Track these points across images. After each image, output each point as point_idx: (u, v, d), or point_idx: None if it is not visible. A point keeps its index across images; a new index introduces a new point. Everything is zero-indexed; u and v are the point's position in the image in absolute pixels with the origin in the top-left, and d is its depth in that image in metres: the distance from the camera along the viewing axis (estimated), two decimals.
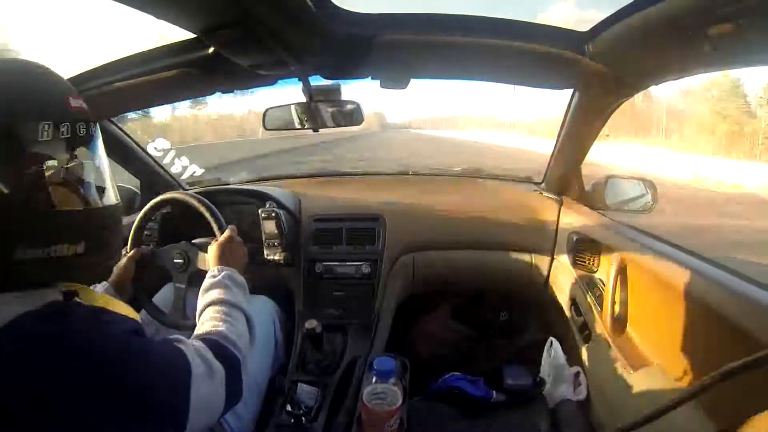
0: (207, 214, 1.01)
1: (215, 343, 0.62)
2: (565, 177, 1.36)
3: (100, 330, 0.48)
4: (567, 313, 1.26)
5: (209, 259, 0.90)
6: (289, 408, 0.95)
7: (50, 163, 0.47)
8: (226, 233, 0.94)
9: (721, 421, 0.62)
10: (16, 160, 0.44)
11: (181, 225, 1.21)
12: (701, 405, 0.65)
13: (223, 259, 0.86)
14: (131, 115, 1.74)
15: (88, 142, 0.52)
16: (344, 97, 1.03)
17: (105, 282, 0.96)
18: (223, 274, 0.80)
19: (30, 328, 0.43)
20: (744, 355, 0.62)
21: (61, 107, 0.49)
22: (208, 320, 0.69)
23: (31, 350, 0.42)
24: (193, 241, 1.09)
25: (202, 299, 0.75)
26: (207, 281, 0.79)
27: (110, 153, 1.35)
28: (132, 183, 1.48)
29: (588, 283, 1.16)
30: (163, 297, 1.13)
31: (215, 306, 0.72)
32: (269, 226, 1.21)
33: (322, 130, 1.08)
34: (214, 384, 0.57)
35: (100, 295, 0.56)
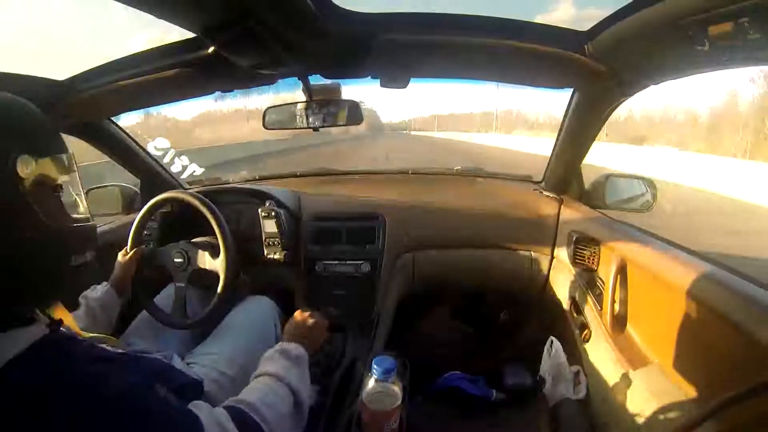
0: (207, 214, 1.02)
1: (238, 412, 0.59)
2: (565, 176, 1.36)
3: (109, 383, 0.45)
4: (567, 311, 1.26)
5: (285, 331, 0.84)
6: None
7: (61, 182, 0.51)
8: (307, 313, 0.88)
9: None
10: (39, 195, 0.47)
11: (181, 224, 1.22)
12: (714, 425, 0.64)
13: (296, 335, 0.82)
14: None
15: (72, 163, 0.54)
16: (344, 96, 1.04)
17: (105, 282, 0.97)
18: (284, 347, 0.76)
19: (24, 379, 0.41)
20: (743, 354, 0.62)
21: (53, 138, 0.52)
22: (246, 390, 0.66)
23: (27, 403, 0.40)
24: (193, 240, 1.09)
25: (256, 371, 0.72)
26: (268, 353, 0.75)
27: (110, 153, 1.37)
28: (132, 182, 1.48)
29: (588, 282, 1.17)
30: (166, 297, 1.13)
31: (261, 377, 0.69)
32: (269, 225, 1.21)
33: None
34: None
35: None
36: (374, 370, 0.85)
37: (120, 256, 1.02)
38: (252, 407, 0.60)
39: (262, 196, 1.29)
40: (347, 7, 0.74)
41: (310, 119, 1.05)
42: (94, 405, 0.43)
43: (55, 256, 0.49)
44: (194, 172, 1.68)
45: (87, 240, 0.54)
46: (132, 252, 1.02)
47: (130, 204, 1.44)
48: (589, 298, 1.13)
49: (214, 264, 1.03)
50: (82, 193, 0.55)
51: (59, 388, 0.42)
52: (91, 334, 0.68)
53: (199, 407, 0.54)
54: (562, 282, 1.31)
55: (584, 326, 1.14)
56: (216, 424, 0.53)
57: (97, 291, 0.94)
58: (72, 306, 0.85)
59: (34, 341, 0.44)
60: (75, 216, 0.52)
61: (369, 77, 0.97)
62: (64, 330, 0.49)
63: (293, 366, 0.73)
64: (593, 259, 1.16)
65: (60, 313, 0.54)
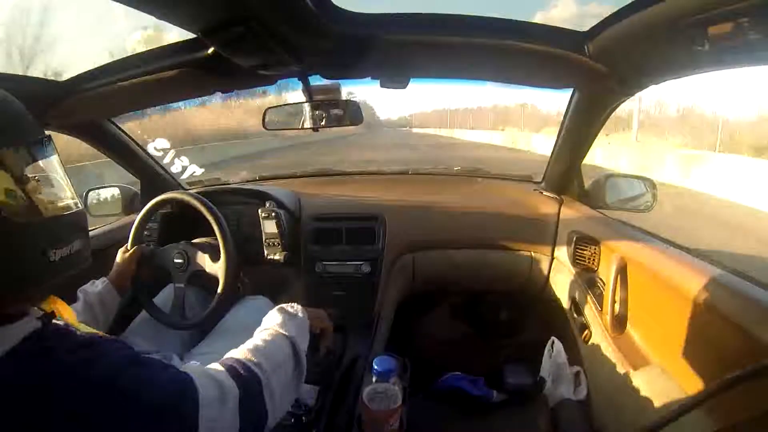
0: (207, 214, 1.02)
1: (234, 363, 0.58)
2: (565, 176, 1.36)
3: (93, 367, 0.44)
4: (567, 312, 1.26)
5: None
6: (289, 408, 0.95)
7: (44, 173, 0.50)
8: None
9: (727, 427, 0.62)
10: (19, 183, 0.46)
11: (181, 225, 1.22)
12: (706, 411, 0.65)
13: (309, 310, 0.81)
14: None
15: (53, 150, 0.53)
16: (344, 96, 1.04)
17: (104, 278, 0.97)
18: (281, 305, 0.76)
19: (16, 376, 0.41)
20: (744, 354, 0.62)
21: (33, 126, 0.51)
22: (245, 343, 0.65)
23: (18, 399, 0.40)
24: (192, 241, 1.09)
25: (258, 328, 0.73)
26: (267, 314, 0.75)
27: (110, 153, 1.38)
28: (132, 183, 1.49)
29: (588, 282, 1.16)
30: (166, 297, 1.13)
31: (261, 332, 0.69)
32: (269, 226, 1.21)
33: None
34: (225, 408, 0.51)
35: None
36: (374, 371, 0.85)
37: (120, 253, 1.02)
38: (248, 357, 0.59)
39: (262, 197, 1.29)
40: (347, 8, 0.74)
41: (310, 119, 1.05)
42: (84, 391, 0.42)
43: (24, 253, 0.46)
44: (194, 172, 1.68)
45: (67, 230, 0.50)
46: (132, 250, 1.03)
47: (130, 204, 1.44)
48: (589, 299, 1.13)
49: (214, 265, 1.03)
50: (66, 179, 0.52)
51: (50, 381, 0.41)
52: (89, 329, 0.68)
53: (189, 367, 0.54)
54: (562, 282, 1.31)
55: (584, 326, 1.14)
56: (210, 379, 0.52)
57: (97, 286, 0.94)
58: (69, 299, 0.85)
59: (25, 336, 0.43)
60: (51, 207, 0.49)
61: (369, 77, 0.97)
62: (57, 322, 0.48)
63: (290, 319, 0.73)
64: (593, 259, 1.16)
65: (57, 304, 0.53)
